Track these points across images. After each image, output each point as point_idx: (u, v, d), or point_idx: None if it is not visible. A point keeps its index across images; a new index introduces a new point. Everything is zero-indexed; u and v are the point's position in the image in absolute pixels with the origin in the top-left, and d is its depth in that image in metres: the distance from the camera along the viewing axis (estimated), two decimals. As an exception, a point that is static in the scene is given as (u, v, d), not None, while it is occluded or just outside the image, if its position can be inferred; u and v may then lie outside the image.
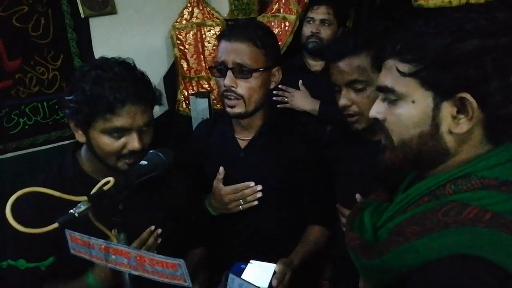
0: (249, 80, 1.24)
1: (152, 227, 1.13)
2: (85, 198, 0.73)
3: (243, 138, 1.37)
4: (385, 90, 0.74)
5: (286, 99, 2.05)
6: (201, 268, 1.34)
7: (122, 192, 0.80)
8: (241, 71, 1.23)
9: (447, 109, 0.68)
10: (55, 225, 0.69)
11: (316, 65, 2.17)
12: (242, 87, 1.24)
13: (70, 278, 1.04)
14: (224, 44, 1.26)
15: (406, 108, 0.71)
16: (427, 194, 0.71)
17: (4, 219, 0.96)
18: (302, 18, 2.26)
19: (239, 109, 1.27)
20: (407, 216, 0.71)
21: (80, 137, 1.08)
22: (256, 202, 1.28)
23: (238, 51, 1.23)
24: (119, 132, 1.03)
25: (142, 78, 1.08)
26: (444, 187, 0.70)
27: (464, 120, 0.67)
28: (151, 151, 0.94)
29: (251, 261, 1.18)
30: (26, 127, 2.34)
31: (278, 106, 2.04)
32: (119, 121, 1.02)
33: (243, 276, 1.10)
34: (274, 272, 1.14)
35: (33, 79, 2.32)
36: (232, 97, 1.26)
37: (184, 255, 1.33)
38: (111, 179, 0.79)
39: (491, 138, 0.70)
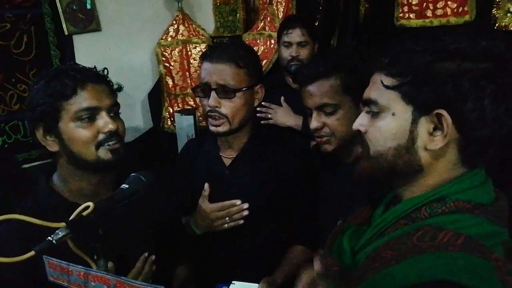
0: (232, 100, 1.25)
1: (146, 254, 1.09)
2: (63, 224, 0.71)
3: (227, 156, 1.37)
4: (369, 103, 0.76)
5: (269, 115, 2.07)
6: (188, 284, 1.32)
7: (102, 217, 0.78)
8: (225, 92, 1.24)
9: (424, 125, 0.70)
10: (32, 253, 0.66)
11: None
12: (226, 106, 1.25)
13: None
14: (206, 65, 1.27)
15: (386, 120, 0.73)
16: (403, 217, 0.72)
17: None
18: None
19: (223, 128, 1.28)
20: (384, 240, 0.72)
21: (52, 145, 1.04)
22: (242, 221, 1.28)
23: (220, 72, 1.23)
24: (88, 115, 1.01)
25: (93, 68, 1.10)
26: (420, 211, 0.71)
27: (439, 137, 0.69)
28: (132, 174, 0.92)
29: (233, 282, 1.16)
30: (6, 145, 2.29)
31: (261, 122, 2.06)
32: (85, 101, 1.01)
33: None
34: None
35: (14, 97, 2.29)
36: (217, 117, 1.26)
37: (171, 271, 1.30)
38: (90, 204, 0.76)
39: (466, 161, 0.71)
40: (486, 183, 0.72)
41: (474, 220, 0.66)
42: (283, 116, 2.06)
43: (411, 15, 2.00)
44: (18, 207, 1.05)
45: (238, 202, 1.27)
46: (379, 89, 0.73)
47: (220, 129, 1.27)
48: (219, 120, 1.26)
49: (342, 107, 1.17)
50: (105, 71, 1.11)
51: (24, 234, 0.89)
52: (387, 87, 0.72)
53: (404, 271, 0.63)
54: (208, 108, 1.26)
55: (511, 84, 0.67)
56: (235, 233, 1.31)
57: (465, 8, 1.86)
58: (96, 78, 1.05)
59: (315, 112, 1.19)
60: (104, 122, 1.02)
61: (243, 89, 1.26)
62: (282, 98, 2.07)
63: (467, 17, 1.86)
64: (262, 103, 1.96)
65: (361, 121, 0.78)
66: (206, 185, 1.30)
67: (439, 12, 1.92)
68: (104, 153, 1.03)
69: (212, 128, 1.29)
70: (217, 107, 1.24)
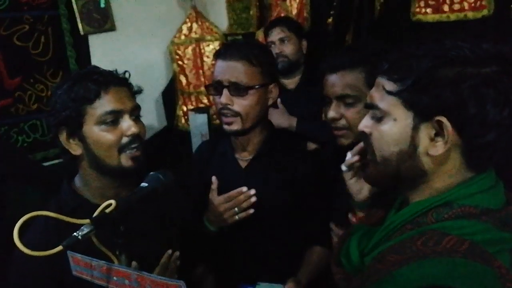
0: (245, 98, 1.25)
1: (170, 251, 1.10)
2: (87, 221, 0.73)
3: (243, 158, 1.37)
4: (371, 107, 0.76)
5: None
6: (207, 283, 1.34)
7: (124, 214, 0.80)
8: (237, 89, 1.24)
9: (426, 130, 0.69)
10: (59, 248, 0.68)
11: (290, 83, 2.24)
12: (239, 104, 1.25)
13: None
14: (219, 63, 1.27)
15: (388, 125, 0.73)
16: (410, 222, 0.72)
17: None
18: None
19: (236, 126, 1.27)
20: (390, 243, 0.72)
21: (75, 149, 1.05)
22: (252, 210, 1.24)
23: (233, 70, 1.23)
24: (112, 118, 1.02)
25: (114, 71, 1.11)
26: (426, 215, 0.70)
27: (440, 143, 0.68)
28: (151, 172, 0.94)
29: (258, 282, 1.17)
30: (25, 144, 2.35)
31: None
32: (109, 105, 1.02)
33: None
34: None
35: (32, 97, 2.34)
36: (229, 115, 1.26)
37: (190, 270, 1.32)
38: (112, 201, 0.78)
39: (471, 165, 0.71)
40: (495, 187, 0.71)
41: (480, 226, 0.66)
42: (277, 117, 2.05)
43: (427, 10, 1.98)
44: (43, 209, 1.08)
45: (244, 189, 1.23)
46: (381, 93, 0.74)
47: (233, 127, 1.27)
48: (231, 117, 1.27)
49: (363, 101, 1.15)
50: (127, 73, 1.12)
51: (49, 230, 0.93)
52: (388, 92, 0.72)
53: (406, 276, 0.63)
54: (220, 106, 1.27)
55: None
56: (253, 235, 1.31)
57: (483, 3, 1.84)
58: (118, 81, 1.07)
59: (335, 102, 1.16)
60: (127, 125, 1.04)
61: (256, 87, 1.25)
62: (279, 100, 2.07)
63: (485, 12, 1.83)
64: None
65: (366, 123, 0.78)
66: (214, 178, 1.28)
67: (456, 6, 1.90)
68: (125, 160, 1.05)
69: (225, 126, 1.29)
70: (229, 104, 1.24)
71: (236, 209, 1.25)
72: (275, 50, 2.17)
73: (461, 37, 0.71)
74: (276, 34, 2.19)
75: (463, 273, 0.60)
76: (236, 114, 1.25)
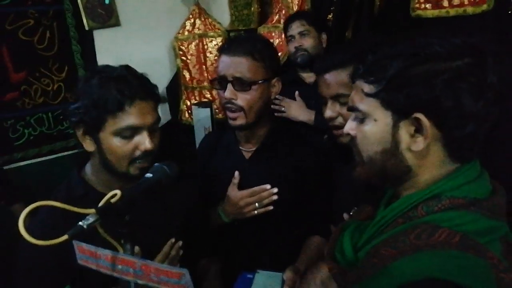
0: (248, 92, 1.27)
1: (173, 240, 1.13)
2: (93, 210, 0.75)
3: (247, 150, 1.40)
4: (352, 109, 0.78)
5: (283, 109, 2.11)
6: (215, 276, 1.37)
7: (128, 204, 0.82)
8: (241, 84, 1.27)
9: (405, 128, 0.71)
10: (65, 237, 0.70)
11: (309, 77, 2.24)
12: (242, 99, 1.28)
13: None
14: (223, 58, 1.30)
15: (369, 126, 0.75)
16: (400, 216, 0.73)
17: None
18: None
19: (240, 121, 1.30)
20: (383, 237, 0.73)
21: (89, 145, 1.07)
22: (271, 207, 1.30)
23: (237, 65, 1.26)
24: (130, 132, 1.03)
25: (144, 77, 1.10)
26: (416, 209, 0.72)
27: (420, 138, 0.70)
28: (156, 164, 0.95)
29: (257, 270, 1.20)
30: (31, 138, 2.39)
31: (275, 114, 2.09)
32: (130, 119, 1.01)
33: (253, 287, 1.13)
34: (282, 281, 1.16)
35: (38, 91, 2.37)
36: (233, 109, 1.29)
37: (195, 264, 1.34)
38: (117, 192, 0.80)
39: (455, 157, 0.72)
40: (481, 177, 0.73)
41: (470, 216, 0.67)
42: (296, 110, 2.09)
43: (427, 5, 1.97)
44: (52, 196, 1.10)
45: (268, 186, 1.29)
46: (360, 96, 0.76)
47: (237, 122, 1.30)
48: (235, 112, 1.29)
49: None
50: (155, 88, 1.11)
51: (55, 219, 0.95)
52: (366, 94, 0.74)
53: (401, 269, 0.64)
54: (224, 100, 1.29)
55: (486, 78, 0.67)
56: (256, 226, 1.33)
57: (483, -3, 1.83)
58: (145, 94, 1.05)
59: (330, 101, 1.19)
60: (142, 140, 1.04)
61: (259, 81, 1.28)
62: (297, 92, 2.09)
63: (484, 7, 1.82)
64: (277, 96, 2.00)
65: (350, 126, 0.80)
66: (237, 173, 1.32)
67: (455, 1, 1.89)
68: (133, 170, 1.07)
69: (230, 121, 1.32)
70: (233, 99, 1.27)
71: (256, 204, 1.30)
72: (293, 44, 2.17)
73: (433, 34, 0.72)
74: (295, 28, 2.18)
75: (457, 265, 0.61)
76: (240, 108, 1.28)
